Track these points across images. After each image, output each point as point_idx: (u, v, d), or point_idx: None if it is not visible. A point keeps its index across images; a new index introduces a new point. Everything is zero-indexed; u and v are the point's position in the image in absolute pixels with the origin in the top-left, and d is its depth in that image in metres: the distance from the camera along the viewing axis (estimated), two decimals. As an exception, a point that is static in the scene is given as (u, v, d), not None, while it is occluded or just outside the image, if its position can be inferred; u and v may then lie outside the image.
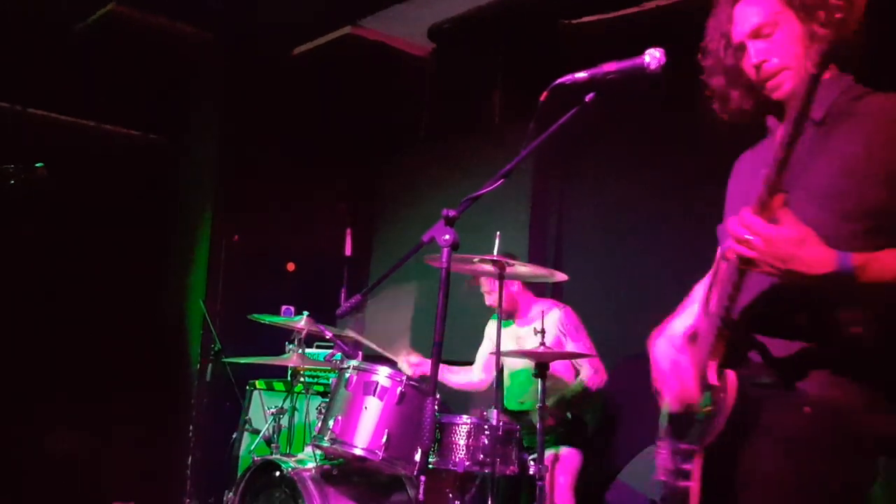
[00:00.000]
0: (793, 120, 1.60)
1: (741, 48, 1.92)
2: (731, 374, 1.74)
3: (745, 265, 1.66)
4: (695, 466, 1.77)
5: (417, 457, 3.11)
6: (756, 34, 1.88)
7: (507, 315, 4.16)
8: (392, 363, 3.94)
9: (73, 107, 5.59)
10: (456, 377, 4.32)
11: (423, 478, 2.18)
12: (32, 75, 5.31)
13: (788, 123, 1.61)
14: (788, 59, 1.86)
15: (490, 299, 4.12)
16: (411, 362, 3.94)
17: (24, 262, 4.99)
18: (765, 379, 1.76)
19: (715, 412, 1.75)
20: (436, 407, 2.23)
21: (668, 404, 1.99)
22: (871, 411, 1.71)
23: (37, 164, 4.06)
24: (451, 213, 2.28)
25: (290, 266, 6.00)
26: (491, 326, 4.32)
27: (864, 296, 1.68)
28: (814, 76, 1.57)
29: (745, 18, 1.90)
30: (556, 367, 3.93)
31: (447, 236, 2.29)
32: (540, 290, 4.42)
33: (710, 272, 2.12)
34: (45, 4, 5.23)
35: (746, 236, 1.60)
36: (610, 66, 1.98)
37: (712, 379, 1.77)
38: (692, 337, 1.98)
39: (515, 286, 4.12)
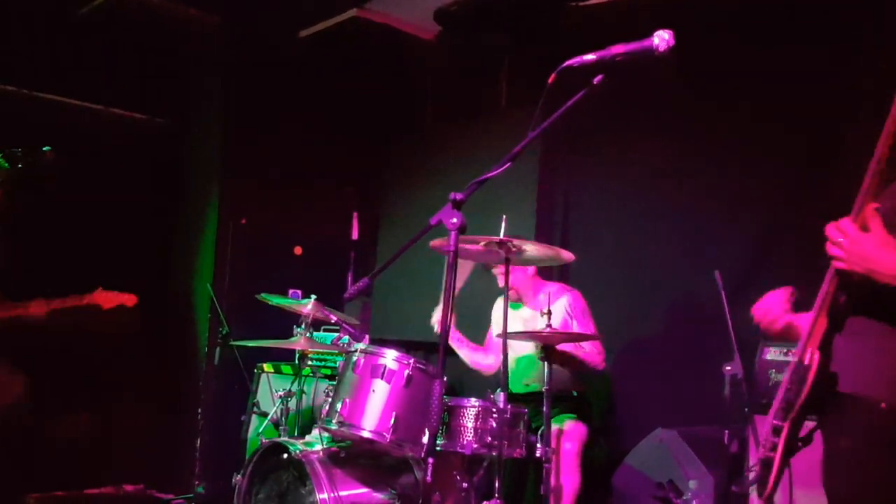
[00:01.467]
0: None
1: None
2: (816, 354, 1.92)
3: (837, 264, 1.85)
4: (780, 439, 1.97)
5: (425, 439, 3.15)
6: None
7: (518, 298, 4.17)
8: (399, 346, 3.94)
9: (80, 90, 5.59)
10: (474, 354, 4.32)
11: (431, 459, 2.19)
12: (39, 59, 5.31)
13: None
14: None
15: (504, 282, 4.11)
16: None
17: (31, 245, 5.00)
18: (850, 367, 1.91)
19: (800, 389, 1.94)
20: (444, 389, 2.24)
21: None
22: None
23: (44, 148, 4.09)
24: (459, 196, 2.29)
25: (297, 250, 6.01)
26: (497, 309, 4.32)
27: None
28: None
29: None
30: (561, 348, 3.93)
31: (455, 219, 2.30)
32: (548, 275, 4.42)
33: None
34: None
35: (838, 238, 1.83)
36: (618, 49, 1.98)
37: (805, 360, 1.95)
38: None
39: (530, 270, 4.13)
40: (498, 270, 4.08)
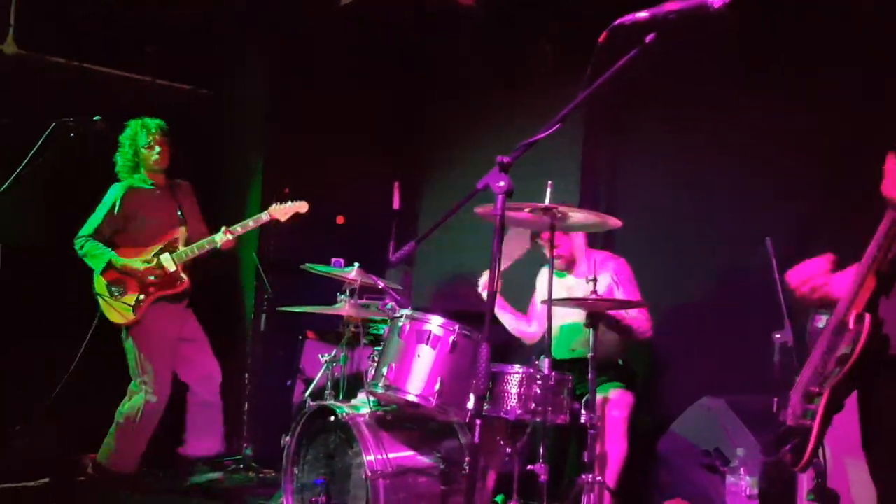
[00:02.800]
0: None
1: None
2: (868, 316, 1.87)
3: None
4: (819, 407, 1.93)
5: (469, 404, 3.17)
6: None
7: (565, 266, 4.15)
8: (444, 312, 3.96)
9: (126, 62, 5.66)
10: (517, 322, 4.33)
11: (478, 421, 2.21)
12: (87, 32, 5.39)
13: None
14: None
15: (556, 252, 4.10)
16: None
17: (81, 214, 5.11)
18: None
19: (848, 353, 1.89)
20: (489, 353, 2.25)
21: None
22: None
23: (95, 118, 4.16)
24: (506, 159, 2.28)
25: (340, 219, 6.05)
26: (542, 278, 4.31)
27: None
28: None
29: None
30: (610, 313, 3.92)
31: (501, 183, 2.29)
32: (593, 241, 4.39)
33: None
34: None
35: None
36: (672, 5, 1.94)
37: (851, 325, 1.91)
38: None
39: (579, 238, 4.10)
40: (544, 238, 4.06)
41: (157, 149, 4.66)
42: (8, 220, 4.43)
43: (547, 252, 4.11)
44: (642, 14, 1.94)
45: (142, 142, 4.65)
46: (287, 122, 5.82)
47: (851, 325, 1.89)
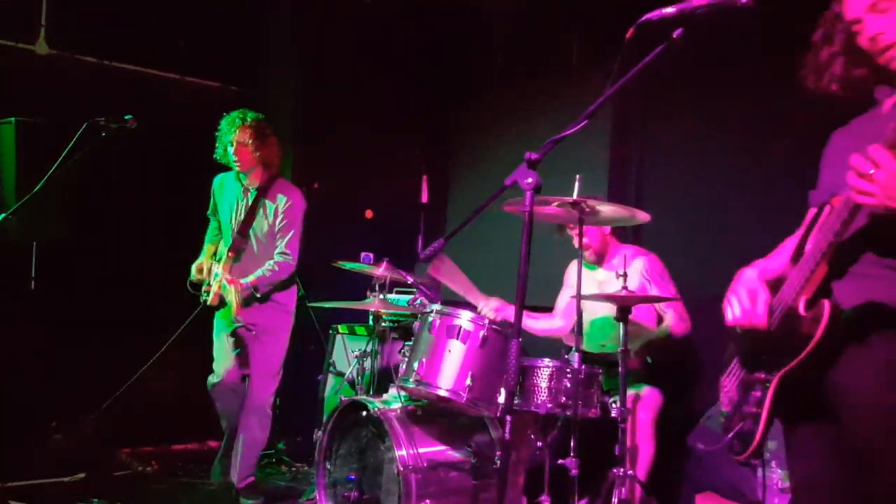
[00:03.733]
0: None
1: (856, 22, 1.93)
2: (826, 303, 1.81)
3: (864, 199, 1.69)
4: (768, 394, 1.87)
5: (500, 399, 3.19)
6: (873, 9, 1.89)
7: (596, 259, 4.14)
8: (473, 307, 3.97)
9: (156, 60, 5.72)
10: (538, 324, 4.33)
11: (509, 417, 2.22)
12: (117, 30, 5.45)
13: None
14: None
15: (584, 253, 4.09)
16: (492, 307, 3.95)
17: (114, 212, 5.19)
18: (866, 309, 1.80)
19: (801, 342, 1.82)
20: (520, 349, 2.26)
21: (734, 322, 2.04)
22: None
23: (126, 116, 4.21)
24: (534, 155, 2.27)
25: (369, 213, 6.08)
26: (571, 271, 4.31)
27: None
28: None
29: None
30: (639, 312, 3.90)
31: (530, 179, 2.28)
32: (621, 235, 4.37)
33: (801, 228, 2.13)
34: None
35: (870, 170, 1.65)
36: (699, 1, 1.92)
37: (802, 310, 1.85)
38: (776, 281, 2.04)
39: (606, 229, 4.10)
40: (573, 231, 4.05)
41: (235, 155, 4.28)
42: (41, 218, 4.52)
43: (576, 242, 4.10)
44: (669, 10, 1.93)
45: (227, 140, 4.30)
46: (316, 117, 5.85)
47: (802, 312, 1.85)
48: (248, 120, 4.31)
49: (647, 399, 3.83)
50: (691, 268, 4.32)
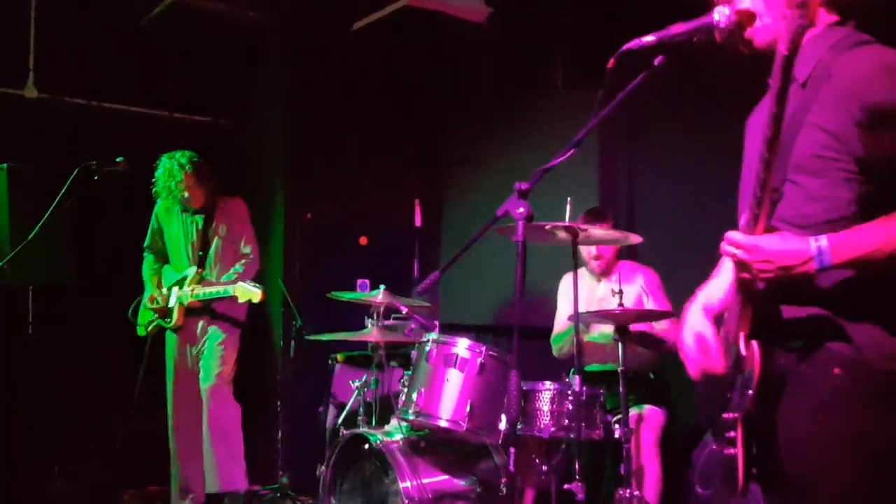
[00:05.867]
0: (773, 97, 1.65)
1: None
2: (754, 345, 1.78)
3: (743, 275, 1.75)
4: (738, 434, 1.80)
5: (501, 425, 3.18)
6: None
7: (603, 271, 4.13)
8: (470, 335, 3.96)
9: (144, 98, 5.74)
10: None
11: (512, 449, 2.21)
12: (105, 71, 5.47)
13: (770, 102, 1.66)
14: (758, 6, 1.88)
15: (594, 264, 4.09)
16: None
17: (108, 252, 5.18)
18: (791, 345, 1.78)
19: (748, 382, 1.79)
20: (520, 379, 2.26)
21: (695, 377, 2.01)
22: None
23: (117, 159, 4.22)
24: (524, 185, 2.28)
25: (363, 240, 6.08)
26: (566, 287, 4.27)
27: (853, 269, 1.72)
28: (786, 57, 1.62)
29: None
30: (636, 324, 3.90)
31: (521, 209, 2.30)
32: (619, 251, 4.37)
33: None
34: (113, 3, 5.38)
35: (734, 251, 1.73)
36: (678, 28, 1.93)
37: (743, 349, 1.81)
38: (720, 315, 2.01)
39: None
40: (593, 254, 4.04)
41: (187, 194, 4.63)
42: (36, 262, 4.52)
43: (591, 264, 4.07)
44: (649, 38, 1.94)
45: (173, 187, 4.60)
46: (308, 146, 5.87)
47: (743, 351, 1.81)
48: (187, 165, 4.63)
49: (649, 419, 3.82)
50: (685, 286, 4.31)
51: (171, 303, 4.62)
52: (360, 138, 5.93)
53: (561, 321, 4.30)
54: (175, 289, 4.64)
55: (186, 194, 4.61)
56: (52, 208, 3.93)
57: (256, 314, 5.82)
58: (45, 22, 5.38)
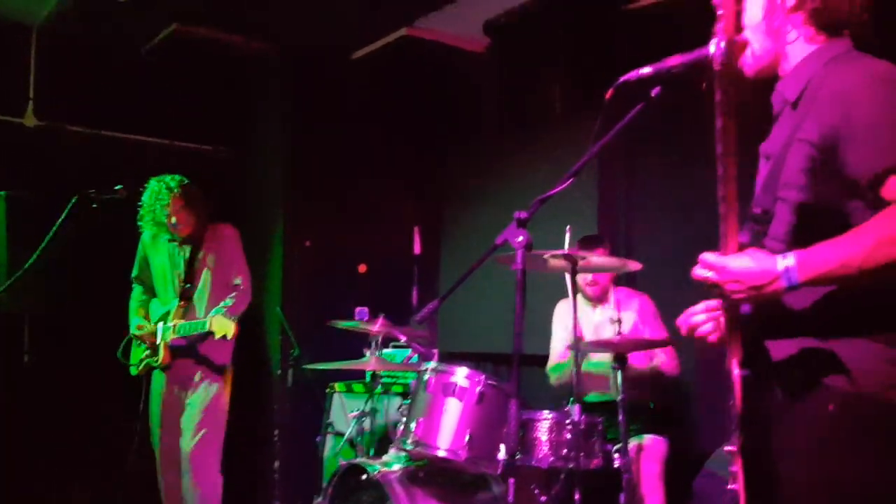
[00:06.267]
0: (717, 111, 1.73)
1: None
2: (736, 378, 1.73)
3: (717, 296, 1.74)
4: (737, 468, 1.76)
5: (501, 455, 3.15)
6: None
7: (598, 298, 4.12)
8: (468, 363, 3.95)
9: (145, 126, 5.77)
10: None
11: (511, 479, 2.19)
12: (106, 100, 5.50)
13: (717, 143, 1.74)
14: (748, 33, 1.90)
15: (589, 290, 4.08)
16: None
17: (103, 279, 5.17)
18: (783, 379, 1.75)
19: (733, 418, 1.75)
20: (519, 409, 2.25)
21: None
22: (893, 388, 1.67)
23: (116, 187, 4.23)
24: (523, 215, 2.30)
25: (362, 268, 6.08)
26: (562, 312, 4.24)
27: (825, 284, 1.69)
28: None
29: None
30: (634, 355, 3.89)
31: (520, 238, 2.31)
32: (615, 277, 4.37)
33: None
34: (113, 32, 5.41)
35: (705, 273, 1.72)
36: (675, 60, 1.94)
37: (734, 378, 1.77)
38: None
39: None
40: (588, 281, 4.03)
41: (174, 219, 4.38)
42: (33, 291, 4.50)
43: (588, 291, 4.05)
44: (646, 70, 1.96)
45: (158, 211, 4.37)
46: (307, 174, 5.89)
47: (735, 379, 1.76)
48: (176, 188, 4.40)
49: (650, 449, 3.79)
50: (681, 314, 4.31)
51: (158, 339, 4.36)
52: (359, 166, 5.96)
53: (556, 349, 4.28)
54: (160, 324, 4.39)
55: (174, 219, 4.35)
56: (49, 237, 3.92)
57: (254, 342, 5.82)
58: (45, 50, 5.43)
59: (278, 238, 5.84)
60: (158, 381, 4.44)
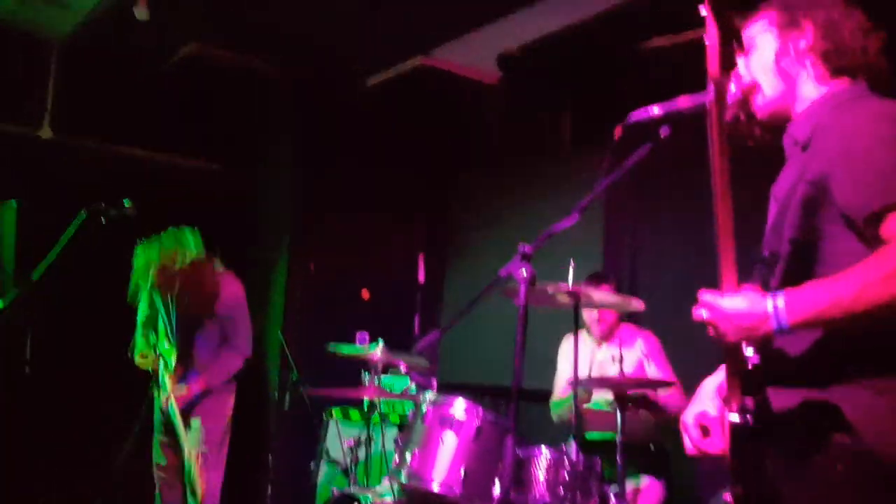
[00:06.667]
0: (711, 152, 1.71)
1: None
2: (727, 423, 1.68)
3: (716, 338, 1.68)
4: None
5: (496, 491, 3.10)
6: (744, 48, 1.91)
7: (604, 335, 4.09)
8: (467, 395, 3.91)
9: (157, 144, 5.81)
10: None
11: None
12: (122, 115, 5.55)
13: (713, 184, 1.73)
14: (760, 76, 1.88)
15: (596, 328, 4.06)
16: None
17: (106, 294, 5.16)
18: (785, 434, 1.69)
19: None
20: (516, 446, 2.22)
21: (690, 454, 1.91)
22: None
23: (125, 202, 4.23)
24: (528, 248, 2.29)
25: (365, 294, 6.07)
26: (565, 348, 4.22)
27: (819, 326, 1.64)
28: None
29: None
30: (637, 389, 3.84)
31: (524, 271, 2.30)
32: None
33: None
34: (131, 49, 5.48)
35: (702, 313, 1.67)
36: (684, 102, 1.94)
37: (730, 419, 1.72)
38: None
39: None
40: (594, 317, 4.01)
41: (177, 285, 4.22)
42: (39, 306, 4.49)
43: (593, 329, 4.02)
44: (656, 111, 1.95)
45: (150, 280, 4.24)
46: (315, 198, 5.91)
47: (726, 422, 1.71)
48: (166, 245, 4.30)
49: (647, 492, 3.74)
50: (688, 352, 4.28)
51: (160, 381, 4.23)
52: (366, 192, 5.98)
53: (560, 384, 4.25)
54: (166, 374, 4.23)
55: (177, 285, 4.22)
56: (56, 249, 3.92)
57: (253, 364, 5.79)
58: (65, 66, 5.49)
59: (283, 261, 5.84)
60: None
